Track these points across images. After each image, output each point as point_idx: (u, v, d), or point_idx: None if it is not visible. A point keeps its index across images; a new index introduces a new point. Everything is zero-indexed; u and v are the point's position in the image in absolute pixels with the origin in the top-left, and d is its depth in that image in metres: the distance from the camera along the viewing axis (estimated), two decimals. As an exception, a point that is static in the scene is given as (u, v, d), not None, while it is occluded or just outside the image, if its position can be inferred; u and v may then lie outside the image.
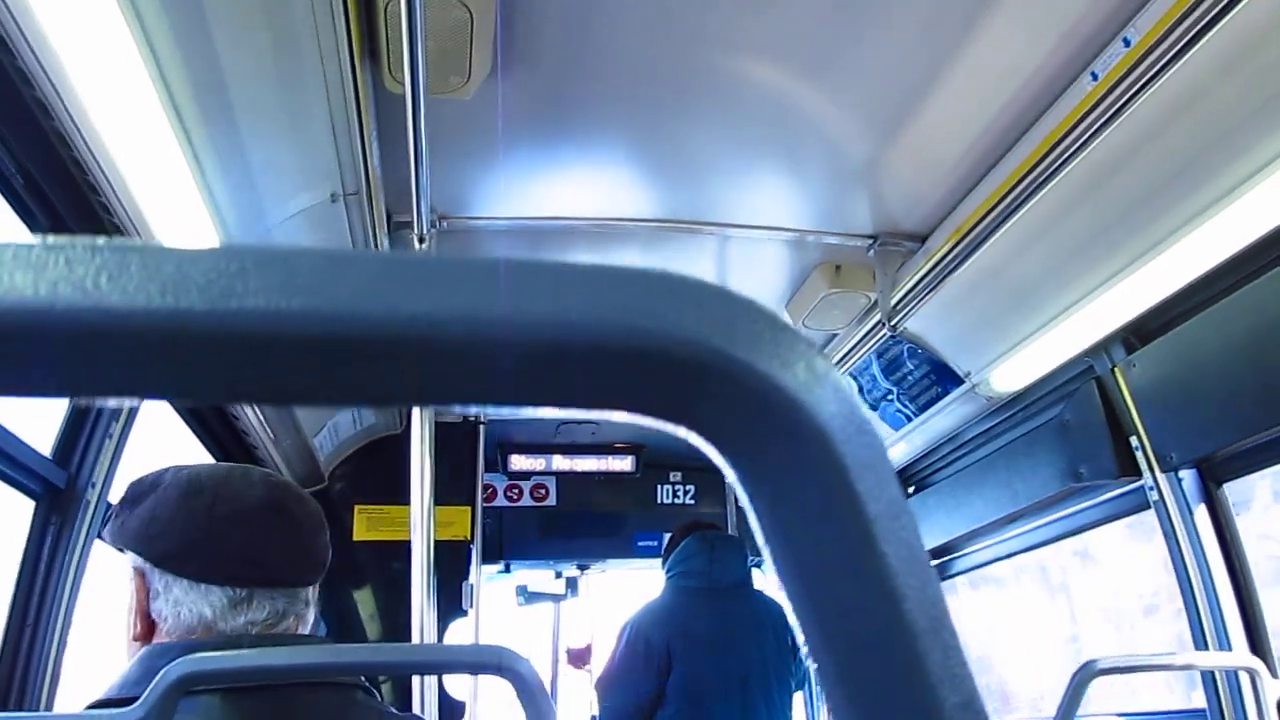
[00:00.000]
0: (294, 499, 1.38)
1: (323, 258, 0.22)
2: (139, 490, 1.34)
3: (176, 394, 0.22)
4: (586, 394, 0.24)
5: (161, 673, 1.09)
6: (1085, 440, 3.21)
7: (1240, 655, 2.76)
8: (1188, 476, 2.94)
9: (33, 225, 2.08)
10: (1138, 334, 3.00)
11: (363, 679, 1.32)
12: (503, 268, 0.23)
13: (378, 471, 4.89)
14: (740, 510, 4.43)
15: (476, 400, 0.23)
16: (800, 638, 0.25)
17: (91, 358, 0.21)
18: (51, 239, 0.22)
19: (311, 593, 1.40)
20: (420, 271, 0.22)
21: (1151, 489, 3.01)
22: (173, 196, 2.20)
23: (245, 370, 0.22)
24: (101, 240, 0.22)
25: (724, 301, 0.24)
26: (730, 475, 0.25)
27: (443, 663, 1.37)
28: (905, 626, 0.23)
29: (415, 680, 2.52)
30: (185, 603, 1.29)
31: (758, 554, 4.68)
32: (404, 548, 4.74)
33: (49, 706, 2.29)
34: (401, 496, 4.82)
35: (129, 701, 1.11)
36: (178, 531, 1.29)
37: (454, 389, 0.23)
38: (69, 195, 2.07)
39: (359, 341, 0.22)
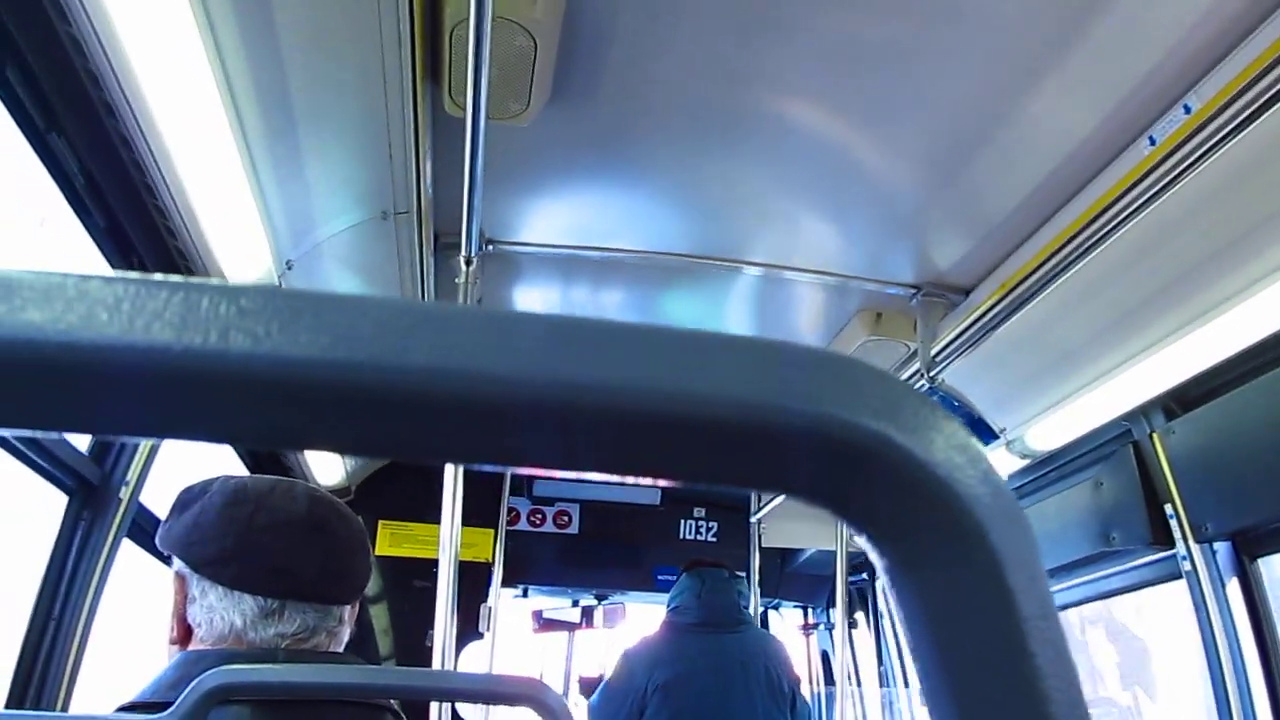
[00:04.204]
0: (338, 517, 1.38)
1: (487, 318, 0.22)
2: (188, 497, 1.35)
3: (339, 446, 0.22)
4: (741, 471, 0.23)
5: (195, 681, 1.09)
6: (1119, 505, 3.18)
7: (1267, 734, 2.71)
8: (1222, 549, 2.89)
9: (88, 222, 2.10)
10: (1179, 401, 2.97)
11: (392, 702, 1.32)
12: (667, 338, 0.23)
13: (403, 488, 4.90)
14: (763, 552, 4.44)
15: (632, 471, 0.23)
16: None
17: (261, 406, 0.21)
18: (219, 282, 0.22)
19: (347, 612, 1.40)
20: (587, 337, 0.22)
21: (1184, 559, 2.96)
22: (228, 203, 2.22)
23: (407, 426, 0.22)
24: (276, 287, 0.22)
25: (885, 385, 0.23)
26: (876, 560, 0.25)
27: (474, 691, 1.36)
28: (1051, 730, 0.23)
29: (433, 702, 2.51)
30: (219, 609, 1.29)
31: (763, 594, 4.68)
32: (424, 565, 4.77)
33: (66, 703, 2.30)
34: (425, 514, 4.85)
35: (162, 706, 1.11)
36: (217, 538, 1.30)
37: (613, 458, 0.23)
38: (126, 195, 2.09)
39: (523, 406, 0.22)
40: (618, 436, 0.22)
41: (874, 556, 0.24)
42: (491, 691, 1.34)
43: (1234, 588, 2.87)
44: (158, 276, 0.22)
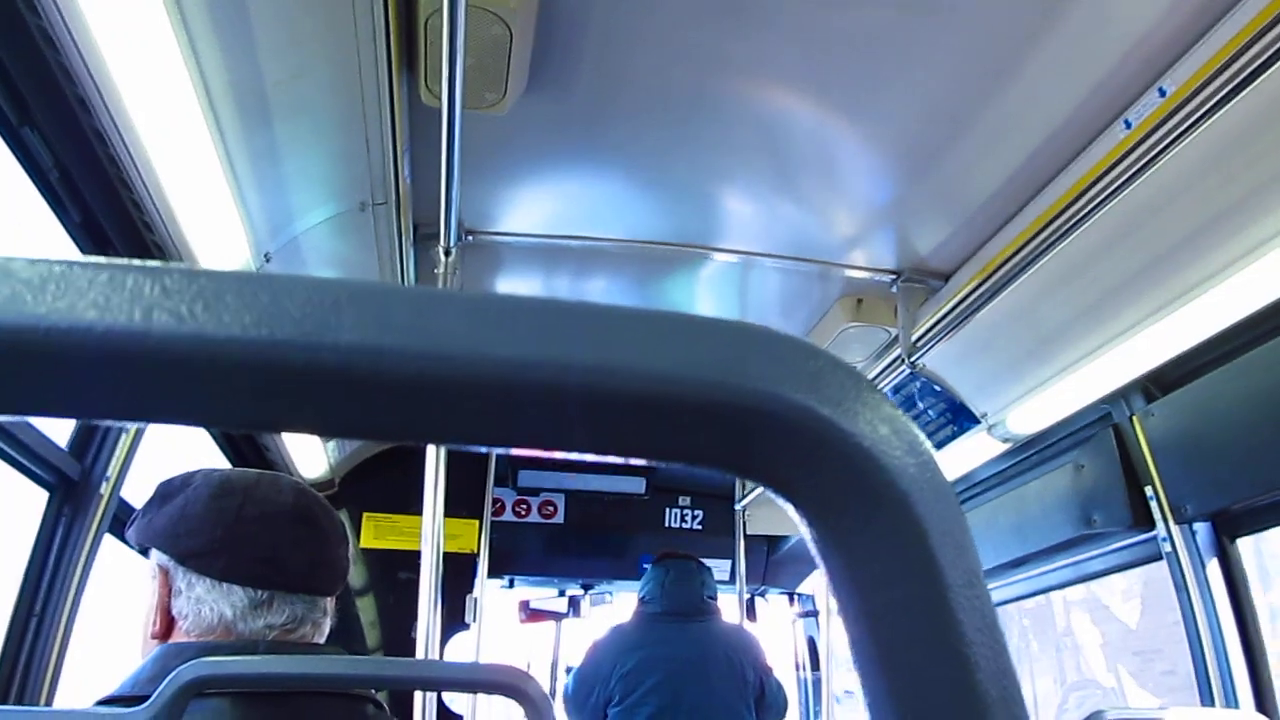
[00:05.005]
0: (321, 509, 1.39)
1: (416, 296, 0.22)
2: (169, 490, 1.35)
3: (265, 425, 0.22)
4: (667, 445, 0.24)
5: (173, 674, 1.09)
6: (1099, 487, 3.19)
7: (1247, 714, 2.73)
8: (1202, 530, 2.92)
9: (64, 218, 2.09)
10: (1158, 383, 2.99)
11: (372, 692, 1.32)
12: (593, 314, 0.23)
13: (387, 480, 4.89)
14: (748, 540, 4.46)
15: (556, 446, 0.23)
16: (865, 699, 0.25)
17: (184, 385, 0.21)
18: (147, 263, 0.22)
19: (330, 603, 1.40)
20: (514, 314, 0.22)
21: (1164, 540, 2.98)
22: (205, 197, 2.21)
23: (334, 404, 0.22)
24: (200, 268, 0.22)
25: (810, 358, 0.24)
26: (805, 531, 0.25)
27: (455, 680, 1.37)
28: (977, 698, 0.23)
29: (416, 692, 2.51)
30: (207, 601, 1.30)
31: (749, 581, 4.72)
32: (409, 557, 4.77)
33: (50, 699, 2.29)
34: (409, 506, 4.85)
35: (140, 699, 1.11)
36: (206, 530, 1.30)
37: (537, 433, 0.23)
38: (101, 189, 2.08)
39: (449, 382, 0.22)
40: (540, 410, 0.23)
41: (802, 528, 0.25)
42: (471, 680, 1.34)
43: (1214, 568, 2.90)
44: (85, 258, 0.22)
